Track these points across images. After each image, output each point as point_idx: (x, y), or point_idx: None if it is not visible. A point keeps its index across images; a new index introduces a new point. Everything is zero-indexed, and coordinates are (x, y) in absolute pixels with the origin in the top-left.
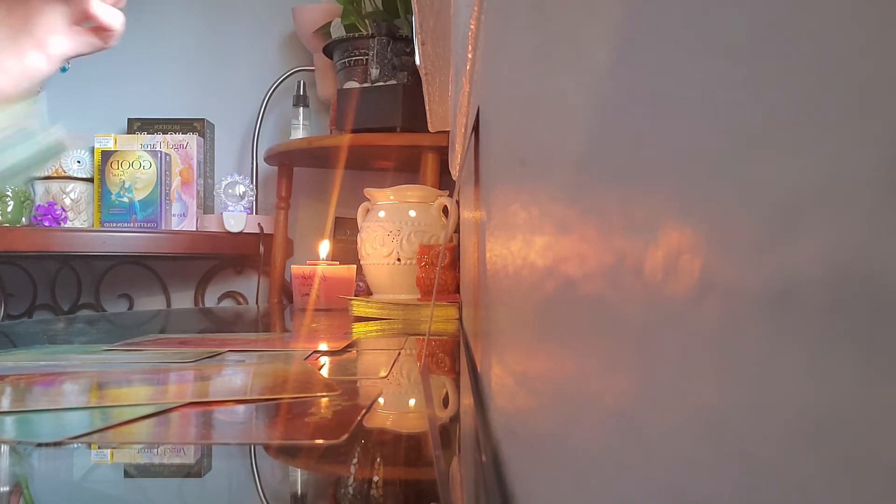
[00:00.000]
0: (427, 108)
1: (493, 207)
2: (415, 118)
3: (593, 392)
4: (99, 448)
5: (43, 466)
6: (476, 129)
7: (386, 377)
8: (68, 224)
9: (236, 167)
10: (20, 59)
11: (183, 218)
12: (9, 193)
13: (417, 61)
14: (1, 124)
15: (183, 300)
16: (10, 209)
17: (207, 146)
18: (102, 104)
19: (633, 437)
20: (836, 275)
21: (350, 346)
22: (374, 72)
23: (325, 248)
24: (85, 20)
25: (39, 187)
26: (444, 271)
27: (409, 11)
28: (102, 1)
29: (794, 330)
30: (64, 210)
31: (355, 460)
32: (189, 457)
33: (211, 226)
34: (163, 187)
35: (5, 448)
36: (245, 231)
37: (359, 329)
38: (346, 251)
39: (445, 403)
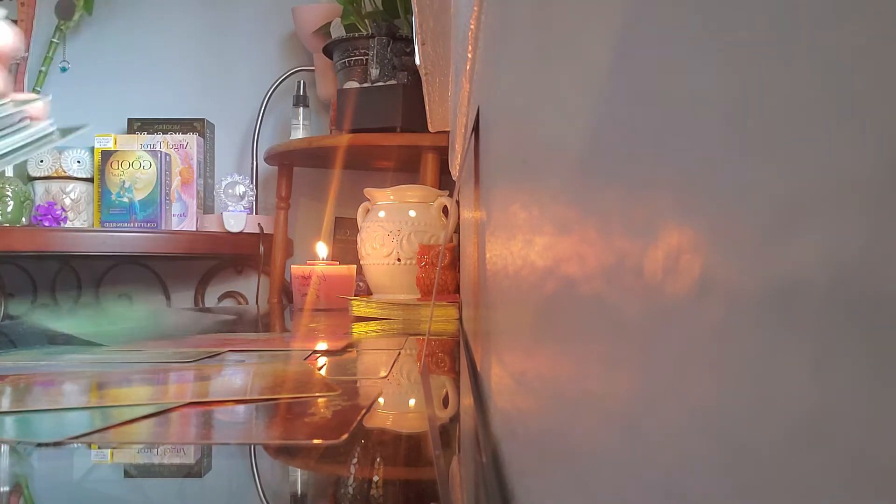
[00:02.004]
0: (427, 108)
1: (494, 207)
2: (415, 118)
3: (593, 392)
4: (99, 448)
5: (43, 466)
6: (476, 129)
7: (386, 377)
8: (68, 224)
9: (236, 167)
10: None
11: (183, 218)
12: (9, 193)
13: (417, 61)
14: None
15: (183, 300)
16: (10, 209)
17: (207, 146)
18: (102, 104)
19: (633, 437)
20: (836, 274)
21: (350, 346)
22: (374, 72)
23: (322, 249)
24: None
25: (39, 187)
26: (444, 271)
27: (409, 11)
28: None
29: (794, 330)
30: (64, 210)
31: (355, 460)
32: (189, 457)
33: (211, 226)
34: (163, 187)
35: (5, 448)
36: (245, 231)
37: (359, 329)
38: (346, 251)
39: (445, 403)
